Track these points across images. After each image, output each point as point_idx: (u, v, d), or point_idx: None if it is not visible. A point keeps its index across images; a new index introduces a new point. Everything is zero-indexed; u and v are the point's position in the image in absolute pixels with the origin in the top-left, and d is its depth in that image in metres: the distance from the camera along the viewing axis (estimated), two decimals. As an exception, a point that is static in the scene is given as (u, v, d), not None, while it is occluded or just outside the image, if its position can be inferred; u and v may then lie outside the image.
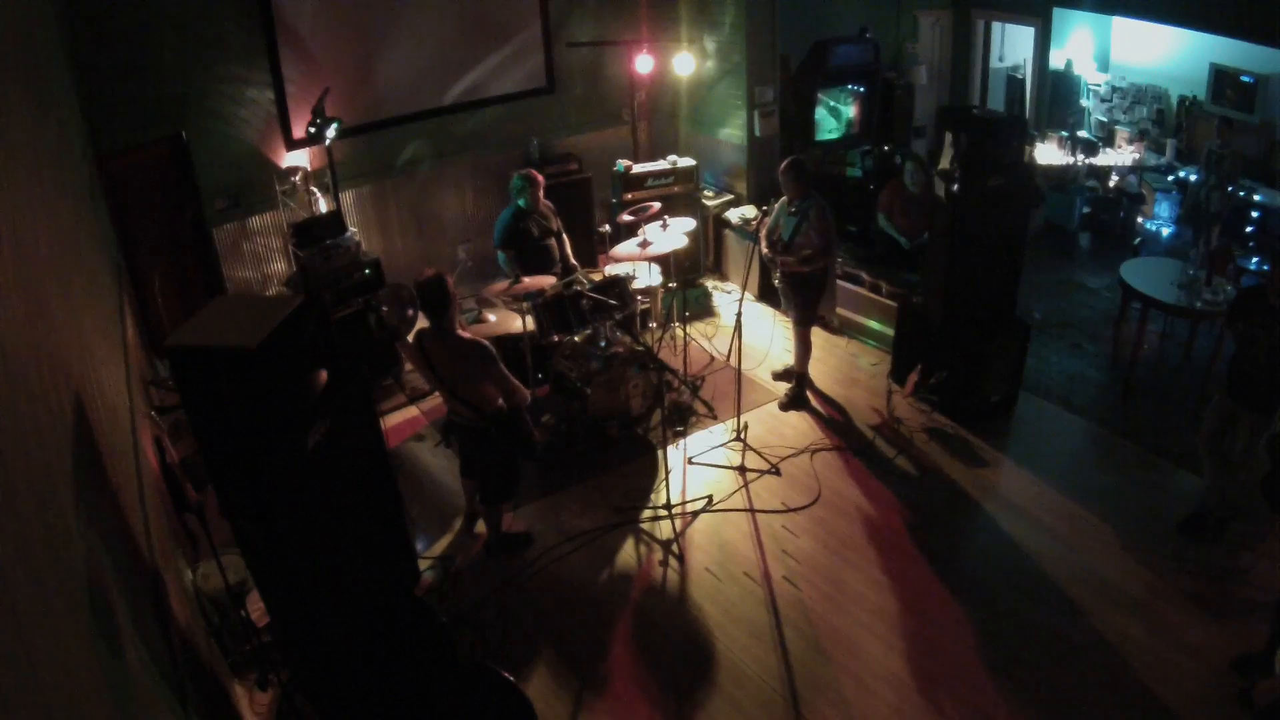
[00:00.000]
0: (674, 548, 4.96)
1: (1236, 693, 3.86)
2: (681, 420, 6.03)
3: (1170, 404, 5.96)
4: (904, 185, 6.93)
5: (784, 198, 5.94)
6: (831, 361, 6.74)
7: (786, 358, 6.60)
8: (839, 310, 6.99)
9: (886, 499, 5.27)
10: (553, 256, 6.36)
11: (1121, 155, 8.54)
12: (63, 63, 4.80)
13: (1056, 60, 9.25)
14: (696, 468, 5.63)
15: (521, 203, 6.14)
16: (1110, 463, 5.48)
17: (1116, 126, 8.93)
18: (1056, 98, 9.36)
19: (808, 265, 5.82)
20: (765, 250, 6.02)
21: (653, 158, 7.88)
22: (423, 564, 4.69)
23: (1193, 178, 8.11)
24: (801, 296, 6.00)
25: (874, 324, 6.90)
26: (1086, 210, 8.55)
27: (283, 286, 6.63)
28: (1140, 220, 8.40)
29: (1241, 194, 7.51)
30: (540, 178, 6.25)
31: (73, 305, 2.99)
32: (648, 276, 6.40)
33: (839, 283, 6.82)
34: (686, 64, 7.56)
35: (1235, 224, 7.43)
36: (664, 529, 5.11)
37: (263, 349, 2.48)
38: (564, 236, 6.49)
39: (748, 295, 5.99)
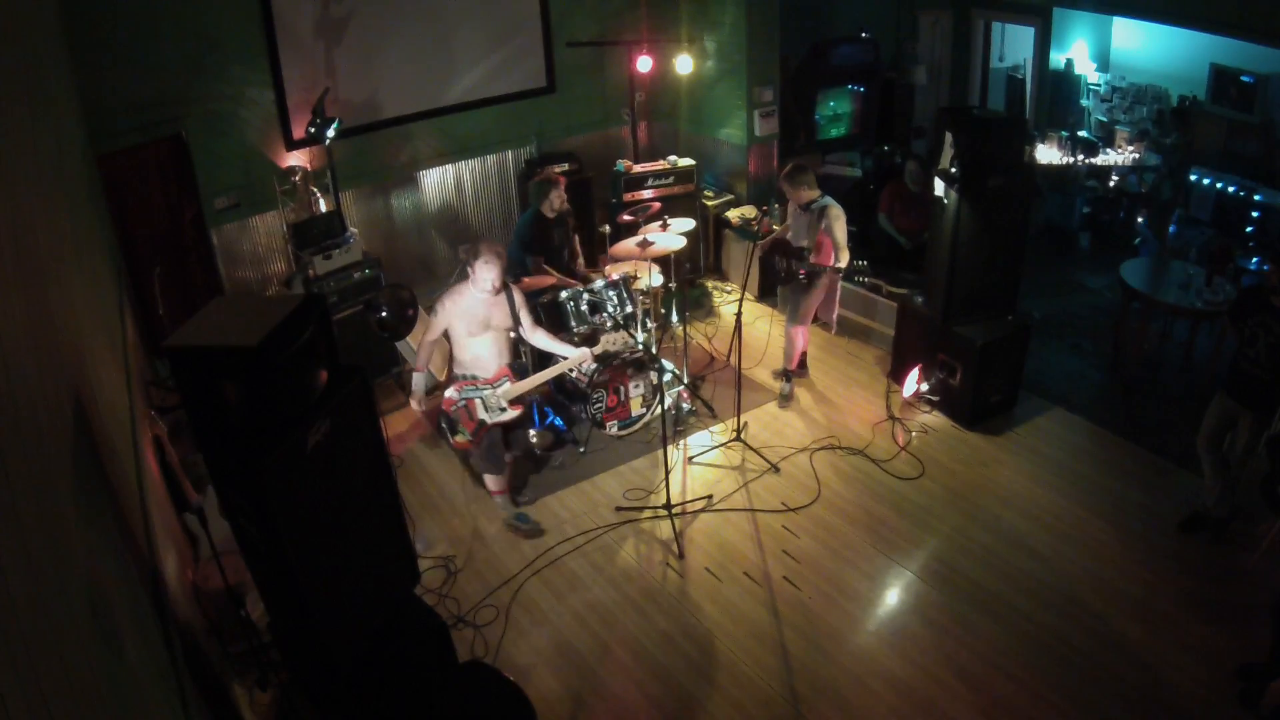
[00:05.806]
0: (674, 548, 4.97)
1: (1237, 693, 3.87)
2: (681, 420, 6.03)
3: (1170, 404, 5.96)
4: (904, 185, 6.92)
5: (790, 204, 5.90)
6: (831, 361, 6.74)
7: (786, 357, 6.61)
8: (839, 310, 6.99)
9: (886, 499, 5.27)
10: (564, 257, 6.33)
11: (1121, 155, 8.53)
12: (63, 63, 4.80)
13: (1056, 60, 9.24)
14: (696, 467, 5.64)
15: (542, 208, 6.02)
16: (1110, 463, 5.48)
17: (1116, 126, 8.92)
18: (1056, 98, 9.34)
19: (826, 267, 5.73)
20: (781, 263, 5.95)
21: (653, 158, 7.87)
22: (423, 564, 4.69)
23: (1193, 178, 8.10)
24: (797, 299, 5.99)
25: (874, 324, 6.89)
26: (1086, 210, 8.54)
27: (283, 286, 6.63)
28: (1140, 220, 8.40)
29: (1194, 176, 7.52)
30: (559, 177, 6.17)
31: (73, 305, 2.99)
32: (648, 276, 6.40)
33: (839, 283, 6.81)
34: (686, 64, 7.56)
35: (1233, 223, 7.42)
36: (664, 529, 5.11)
37: (263, 348, 2.48)
38: (575, 234, 6.42)
39: (747, 295, 5.98)
